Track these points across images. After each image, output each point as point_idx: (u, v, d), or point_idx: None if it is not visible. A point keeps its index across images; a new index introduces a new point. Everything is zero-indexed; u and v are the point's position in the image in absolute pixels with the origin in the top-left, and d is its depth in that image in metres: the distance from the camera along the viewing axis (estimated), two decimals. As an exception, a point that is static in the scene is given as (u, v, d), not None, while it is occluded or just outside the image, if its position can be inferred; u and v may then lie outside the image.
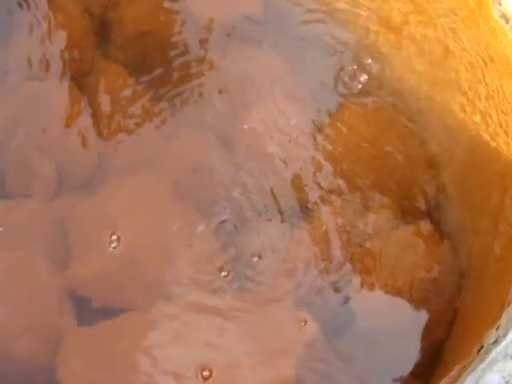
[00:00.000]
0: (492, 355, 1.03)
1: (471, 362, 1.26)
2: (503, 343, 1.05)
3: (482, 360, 1.13)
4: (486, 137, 1.65)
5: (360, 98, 1.82)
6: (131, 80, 1.85)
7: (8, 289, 1.60)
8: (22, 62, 1.84)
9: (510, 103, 1.63)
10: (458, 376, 1.25)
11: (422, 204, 1.74)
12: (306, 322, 1.57)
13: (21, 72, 1.83)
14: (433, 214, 1.73)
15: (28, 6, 1.88)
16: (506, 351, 0.87)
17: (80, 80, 1.85)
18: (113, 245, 1.65)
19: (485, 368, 0.93)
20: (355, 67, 1.84)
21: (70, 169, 1.76)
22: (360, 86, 1.83)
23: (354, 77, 1.83)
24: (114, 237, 1.66)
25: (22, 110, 1.80)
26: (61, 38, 1.87)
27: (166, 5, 1.93)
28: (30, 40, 1.86)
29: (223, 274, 1.65)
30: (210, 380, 1.49)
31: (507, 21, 1.64)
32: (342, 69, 1.85)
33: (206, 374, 1.49)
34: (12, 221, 1.69)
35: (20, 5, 1.89)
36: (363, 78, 1.83)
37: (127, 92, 1.84)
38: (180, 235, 1.67)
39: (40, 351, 1.55)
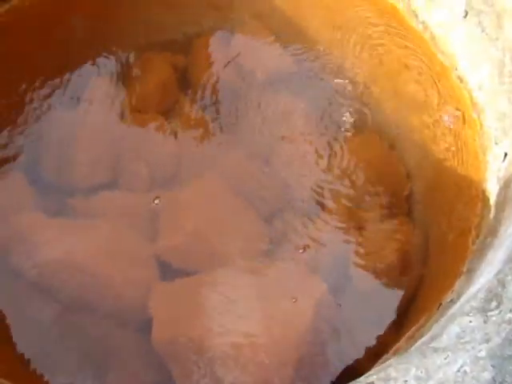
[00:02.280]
0: (451, 311, 1.03)
1: (433, 314, 1.24)
2: (458, 304, 1.05)
3: (442, 315, 1.12)
4: (447, 159, 1.62)
5: (357, 131, 1.79)
6: (202, 113, 1.83)
7: (116, 254, 1.59)
8: (131, 100, 1.83)
9: (458, 140, 1.60)
10: (424, 324, 1.24)
11: (401, 204, 1.70)
12: (318, 282, 1.54)
13: (128, 106, 1.83)
14: (409, 211, 1.70)
15: (127, 66, 1.89)
16: (462, 310, 0.88)
17: (166, 113, 1.84)
18: (188, 226, 1.62)
19: (447, 321, 0.93)
20: (357, 115, 1.81)
21: (158, 172, 1.75)
22: (356, 123, 1.80)
23: (356, 120, 1.80)
24: (189, 220, 1.63)
25: (128, 132, 1.79)
26: (154, 83, 1.86)
27: (229, 68, 1.91)
28: (138, 84, 1.86)
29: (263, 247, 1.62)
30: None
31: (461, 81, 1.61)
32: (346, 111, 1.81)
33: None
34: (120, 206, 1.69)
35: (126, 61, 1.89)
36: (362, 120, 1.81)
37: (198, 122, 1.82)
38: (237, 220, 1.66)
39: (137, 296, 1.53)
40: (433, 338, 0.86)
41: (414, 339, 1.21)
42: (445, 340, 0.83)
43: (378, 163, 1.74)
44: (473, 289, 1.04)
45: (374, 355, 1.43)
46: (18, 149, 1.74)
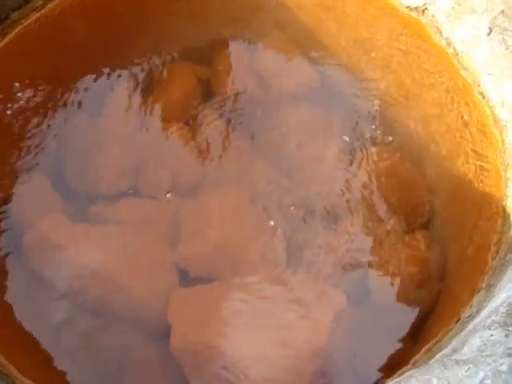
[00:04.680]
0: (470, 326, 1.04)
1: (452, 328, 1.25)
2: (478, 318, 1.06)
3: (461, 329, 1.13)
4: (468, 175, 1.63)
5: (380, 146, 1.80)
6: (224, 124, 1.85)
7: (137, 260, 1.61)
8: (155, 109, 1.86)
9: (479, 156, 1.62)
10: (442, 337, 1.25)
11: (421, 219, 1.71)
12: (338, 294, 1.55)
13: (152, 115, 1.85)
14: (428, 226, 1.70)
15: (160, 72, 1.91)
16: (483, 324, 0.89)
17: (190, 122, 1.86)
18: (209, 235, 1.64)
19: (467, 334, 0.94)
20: (378, 129, 1.82)
21: (181, 180, 1.77)
22: (378, 138, 1.81)
23: (378, 135, 1.81)
24: (209, 228, 1.65)
25: (151, 140, 1.82)
26: (178, 93, 1.88)
27: (251, 80, 1.94)
28: (162, 93, 1.89)
29: (283, 259, 1.63)
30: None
31: (484, 97, 1.63)
32: (368, 126, 1.82)
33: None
34: (142, 213, 1.71)
35: (151, 70, 1.92)
36: (383, 135, 1.81)
37: (221, 132, 1.84)
38: (257, 231, 1.67)
39: (157, 301, 1.56)
40: (454, 351, 0.87)
41: (432, 352, 1.22)
42: (466, 352, 0.85)
43: (400, 177, 1.75)
44: (493, 304, 1.05)
45: (391, 368, 1.44)
46: (43, 154, 1.77)
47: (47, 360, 1.51)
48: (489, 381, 0.80)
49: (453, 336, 1.14)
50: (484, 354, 0.83)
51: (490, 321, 0.89)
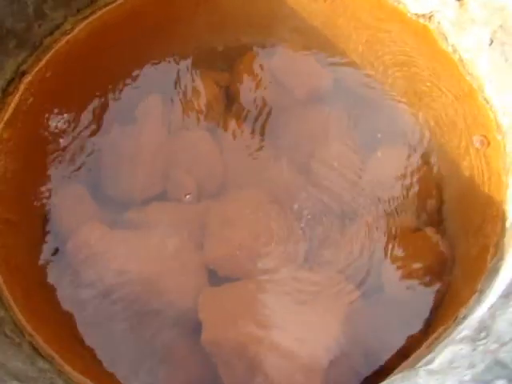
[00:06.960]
0: (453, 334, 1.22)
1: (449, 326, 1.43)
2: (462, 325, 1.24)
3: (454, 329, 1.31)
4: (474, 177, 1.75)
5: (393, 146, 1.94)
6: (245, 129, 2.01)
7: (168, 262, 1.78)
8: (178, 116, 2.03)
9: (484, 160, 1.74)
10: (440, 336, 1.42)
11: (431, 216, 1.83)
12: (351, 289, 1.70)
13: (178, 123, 2.03)
14: (438, 224, 1.82)
15: (176, 85, 2.08)
16: (458, 336, 1.06)
17: (213, 129, 2.02)
18: (233, 236, 1.81)
19: (442, 347, 1.12)
20: (390, 129, 1.95)
21: (206, 184, 1.93)
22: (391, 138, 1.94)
23: (390, 135, 1.95)
24: (234, 230, 1.82)
25: (178, 149, 1.99)
26: (201, 101, 2.05)
27: (269, 84, 2.08)
28: (186, 102, 2.05)
29: (303, 256, 1.79)
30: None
31: (487, 102, 1.75)
32: (381, 127, 1.95)
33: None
34: (170, 216, 1.88)
35: (174, 80, 2.09)
36: (395, 135, 1.95)
37: (242, 136, 2.00)
38: (278, 231, 1.82)
39: (187, 300, 1.73)
40: (427, 363, 1.06)
41: (434, 345, 1.39)
42: (437, 365, 1.05)
43: (411, 177, 1.88)
44: (474, 315, 1.23)
45: (403, 356, 1.60)
46: (78, 164, 1.98)
47: (90, 352, 1.74)
48: (454, 388, 1.00)
49: (447, 335, 1.31)
50: (452, 365, 1.03)
51: (462, 335, 1.08)
